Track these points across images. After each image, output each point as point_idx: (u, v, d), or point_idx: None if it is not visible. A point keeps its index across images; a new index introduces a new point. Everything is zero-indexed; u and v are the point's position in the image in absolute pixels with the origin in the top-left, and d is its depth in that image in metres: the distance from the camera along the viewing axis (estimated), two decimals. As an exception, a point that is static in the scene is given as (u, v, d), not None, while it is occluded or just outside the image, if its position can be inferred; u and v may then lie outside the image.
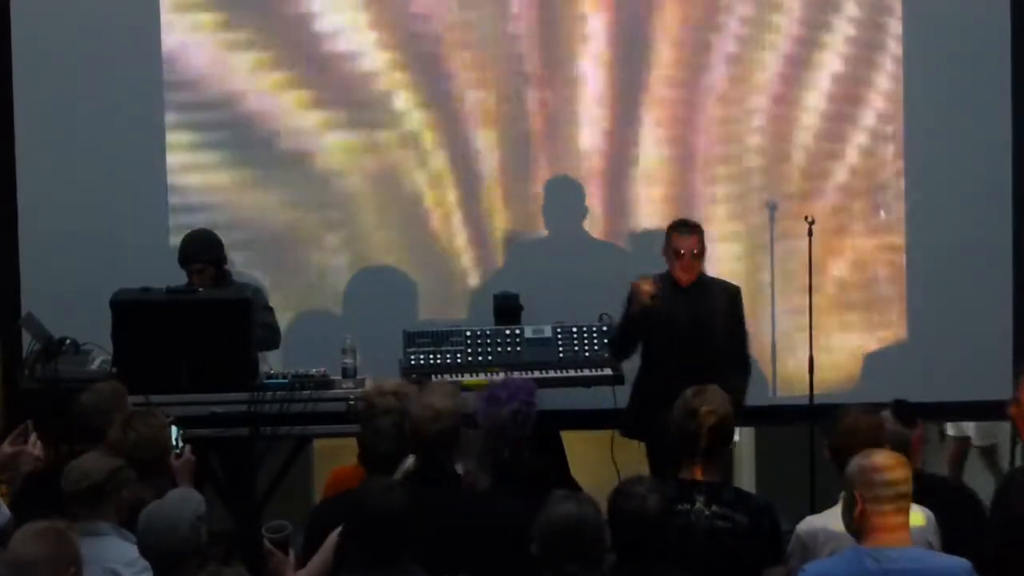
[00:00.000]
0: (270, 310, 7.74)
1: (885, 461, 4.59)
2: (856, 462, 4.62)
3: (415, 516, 4.56)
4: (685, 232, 7.41)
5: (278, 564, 5.17)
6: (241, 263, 8.36)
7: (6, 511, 5.39)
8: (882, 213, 8.49)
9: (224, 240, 7.85)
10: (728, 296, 7.56)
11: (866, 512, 4.54)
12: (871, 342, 8.66)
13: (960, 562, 4.62)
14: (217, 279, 7.56)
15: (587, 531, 4.44)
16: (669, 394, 6.73)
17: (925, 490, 5.07)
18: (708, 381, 6.75)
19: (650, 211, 8.58)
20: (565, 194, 8.58)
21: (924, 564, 4.53)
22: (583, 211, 8.57)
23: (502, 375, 7.09)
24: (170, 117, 8.42)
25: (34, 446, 5.76)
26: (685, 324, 7.37)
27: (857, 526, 4.58)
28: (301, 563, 5.16)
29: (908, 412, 5.80)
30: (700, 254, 7.42)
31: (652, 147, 8.57)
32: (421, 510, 4.62)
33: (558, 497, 4.54)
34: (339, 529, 5.01)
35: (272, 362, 7.65)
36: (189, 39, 8.42)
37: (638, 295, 7.29)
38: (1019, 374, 5.70)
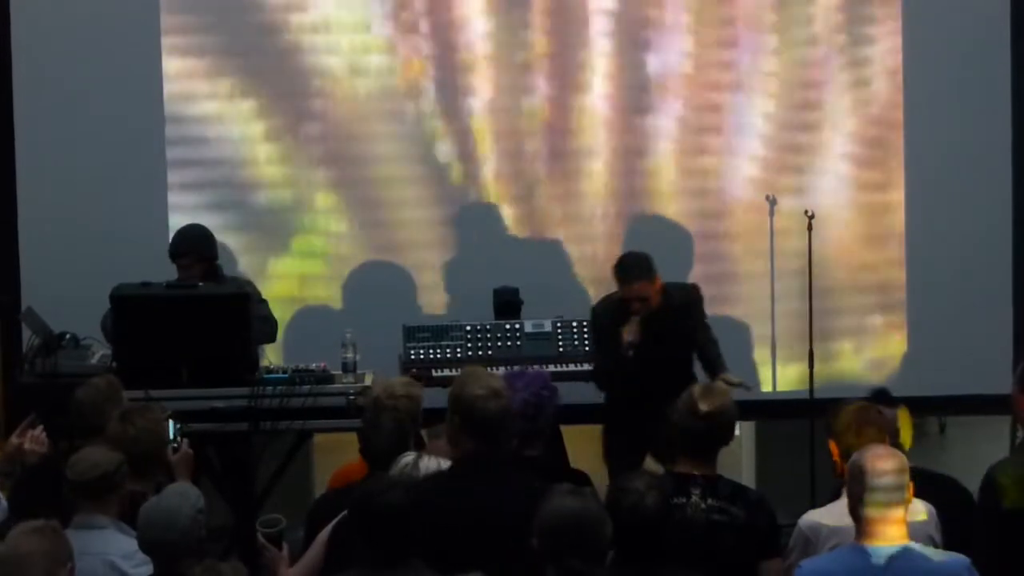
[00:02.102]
0: (264, 302, 7.74)
1: (881, 458, 4.59)
2: (853, 459, 4.63)
3: (419, 513, 4.55)
4: (633, 280, 7.26)
5: (271, 559, 5.16)
6: (240, 258, 8.36)
7: (4, 505, 5.40)
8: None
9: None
10: (683, 305, 7.45)
11: (863, 509, 4.54)
12: (871, 335, 8.67)
13: (959, 558, 4.62)
14: (207, 275, 7.53)
15: (589, 525, 4.40)
16: (631, 421, 7.12)
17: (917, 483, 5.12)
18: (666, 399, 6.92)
19: (650, 206, 8.58)
20: (566, 190, 8.58)
21: (922, 561, 4.53)
22: (584, 205, 8.56)
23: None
24: (169, 113, 8.42)
25: (36, 439, 5.77)
26: (643, 354, 7.27)
27: (855, 522, 4.59)
28: (296, 558, 5.16)
29: (888, 399, 5.83)
30: (648, 299, 7.25)
31: (654, 142, 8.57)
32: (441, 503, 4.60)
33: (560, 491, 4.51)
34: (331, 524, 5.01)
35: (272, 356, 7.64)
36: (189, 37, 8.42)
37: (624, 344, 7.22)
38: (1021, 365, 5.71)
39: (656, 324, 7.29)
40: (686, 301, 7.48)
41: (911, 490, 4.64)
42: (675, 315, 7.37)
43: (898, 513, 4.56)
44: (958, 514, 5.35)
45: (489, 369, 7.58)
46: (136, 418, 5.48)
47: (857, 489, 4.57)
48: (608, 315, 7.44)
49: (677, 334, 7.36)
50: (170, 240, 7.68)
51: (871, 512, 4.54)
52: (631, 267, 7.33)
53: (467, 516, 4.72)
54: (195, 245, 7.58)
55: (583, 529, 4.40)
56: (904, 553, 4.51)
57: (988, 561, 4.88)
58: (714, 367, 7.44)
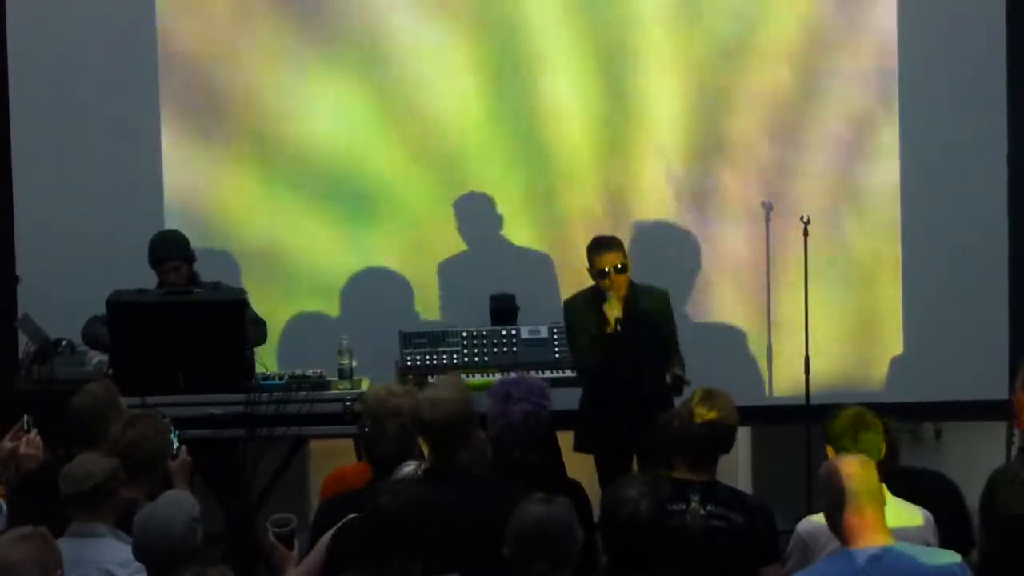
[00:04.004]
0: (248, 305, 7.71)
1: (850, 464, 4.59)
2: (824, 470, 4.63)
3: (423, 518, 4.57)
4: (606, 250, 7.35)
5: (280, 558, 5.15)
6: (237, 263, 8.37)
7: (4, 509, 5.40)
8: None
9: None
10: (657, 300, 7.48)
11: (843, 516, 4.54)
12: (867, 341, 8.67)
13: (950, 557, 4.62)
14: (190, 277, 7.55)
15: (555, 531, 4.46)
16: (614, 405, 7.20)
17: (905, 482, 5.18)
18: (648, 384, 7.13)
19: (647, 210, 8.59)
20: (560, 193, 8.58)
21: (908, 560, 4.53)
22: (578, 210, 8.56)
23: (513, 375, 6.97)
24: (166, 118, 8.42)
25: (31, 443, 5.76)
26: (622, 337, 7.31)
27: (834, 531, 4.60)
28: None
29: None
30: (624, 268, 7.33)
31: (651, 145, 8.57)
32: (431, 507, 4.64)
33: (531, 498, 4.57)
34: (333, 529, 5.01)
35: (267, 362, 7.63)
36: (187, 38, 8.42)
37: (609, 318, 7.27)
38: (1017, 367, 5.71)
39: (630, 310, 7.32)
40: (657, 300, 7.47)
41: (884, 491, 4.64)
42: (646, 311, 7.38)
43: (877, 514, 4.56)
44: (946, 509, 5.37)
45: (486, 375, 7.73)
46: (139, 424, 5.48)
47: (836, 498, 4.57)
48: (582, 303, 7.46)
49: (650, 328, 7.36)
50: (149, 247, 7.60)
51: (851, 518, 4.54)
52: (604, 239, 7.44)
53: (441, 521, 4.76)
54: (180, 248, 7.58)
55: (549, 535, 4.45)
56: (887, 553, 4.51)
57: (991, 566, 4.89)
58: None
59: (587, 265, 7.43)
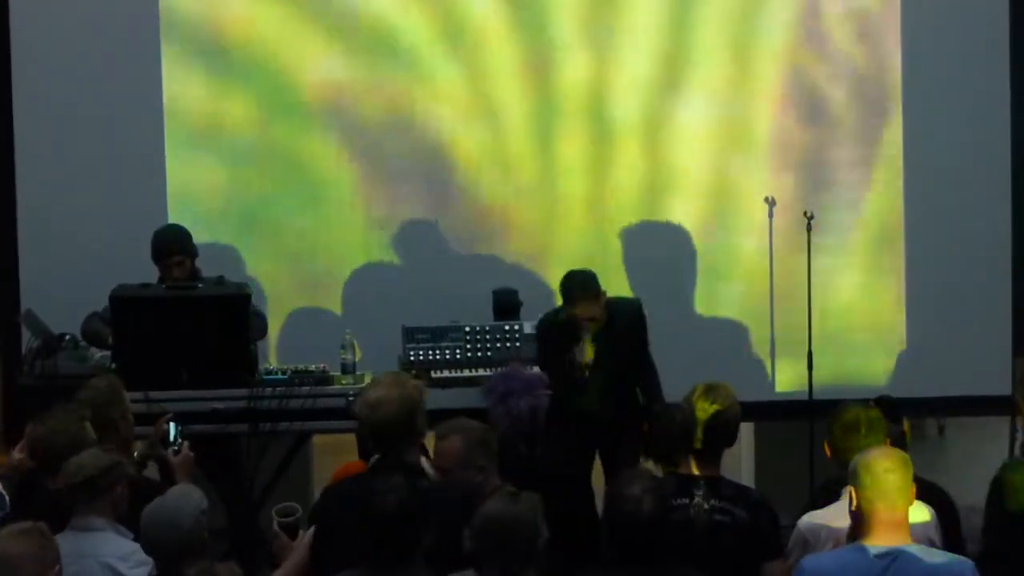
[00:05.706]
0: None
1: (884, 458, 4.60)
2: (856, 460, 4.64)
3: (424, 514, 4.56)
4: (579, 300, 7.22)
5: (280, 547, 5.16)
6: (240, 258, 8.37)
7: (6, 499, 5.41)
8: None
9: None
10: (629, 321, 7.41)
11: (865, 509, 4.55)
12: (870, 336, 8.66)
13: (961, 561, 4.62)
14: (192, 272, 7.56)
15: (518, 531, 4.46)
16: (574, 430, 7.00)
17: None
18: (612, 415, 6.99)
19: (650, 206, 8.58)
20: (566, 190, 8.57)
21: (924, 562, 4.53)
22: (584, 206, 8.56)
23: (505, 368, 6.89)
24: (170, 113, 8.42)
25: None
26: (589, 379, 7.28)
27: (856, 523, 4.60)
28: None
29: (892, 408, 5.82)
30: (595, 318, 7.20)
31: (655, 143, 8.57)
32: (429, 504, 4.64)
33: (498, 495, 4.58)
34: (312, 529, 5.02)
35: (269, 356, 7.63)
36: (191, 36, 8.42)
37: (577, 366, 7.21)
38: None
39: (604, 341, 7.24)
40: (632, 316, 7.43)
41: (914, 491, 4.65)
42: (622, 331, 7.33)
43: (900, 514, 4.56)
44: (945, 520, 5.37)
45: (489, 371, 7.72)
46: (49, 420, 5.50)
47: (860, 490, 4.58)
48: (554, 335, 7.38)
49: (626, 350, 7.33)
50: (153, 241, 7.62)
51: (873, 513, 4.55)
52: (576, 287, 7.30)
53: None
54: (184, 242, 7.59)
55: (510, 532, 4.44)
56: (901, 554, 4.52)
57: (995, 563, 4.89)
58: (652, 398, 7.35)
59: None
